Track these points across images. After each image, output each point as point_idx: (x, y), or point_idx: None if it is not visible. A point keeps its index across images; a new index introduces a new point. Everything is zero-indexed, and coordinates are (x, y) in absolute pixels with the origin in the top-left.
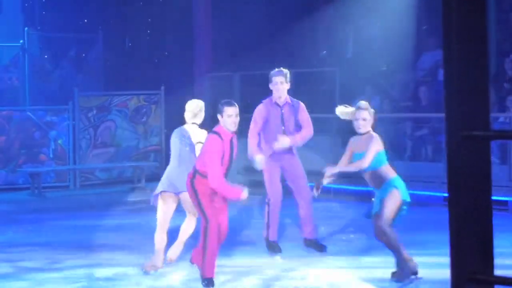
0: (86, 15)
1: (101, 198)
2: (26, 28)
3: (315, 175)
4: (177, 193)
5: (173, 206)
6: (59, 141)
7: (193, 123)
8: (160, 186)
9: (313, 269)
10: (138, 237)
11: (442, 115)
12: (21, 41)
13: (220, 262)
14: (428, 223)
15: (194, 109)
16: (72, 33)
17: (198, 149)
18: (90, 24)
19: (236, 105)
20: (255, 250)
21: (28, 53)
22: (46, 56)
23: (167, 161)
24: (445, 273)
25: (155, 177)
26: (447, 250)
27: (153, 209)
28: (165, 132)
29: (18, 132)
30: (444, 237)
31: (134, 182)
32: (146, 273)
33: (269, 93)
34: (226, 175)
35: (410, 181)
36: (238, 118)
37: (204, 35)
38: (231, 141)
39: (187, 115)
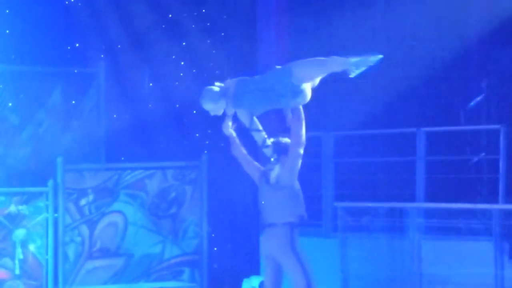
0: (79, 38)
1: None
2: None
3: None
4: None
5: None
6: (31, 247)
7: None
8: None
9: None
10: None
11: None
12: None
13: None
14: None
15: None
16: (56, 67)
17: None
18: (85, 51)
19: None
20: None
21: None
22: (10, 104)
23: (211, 280)
24: None
25: None
26: None
27: None
28: (209, 231)
29: None
30: None
31: None
32: None
33: None
34: None
35: None
36: None
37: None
38: None
39: None
